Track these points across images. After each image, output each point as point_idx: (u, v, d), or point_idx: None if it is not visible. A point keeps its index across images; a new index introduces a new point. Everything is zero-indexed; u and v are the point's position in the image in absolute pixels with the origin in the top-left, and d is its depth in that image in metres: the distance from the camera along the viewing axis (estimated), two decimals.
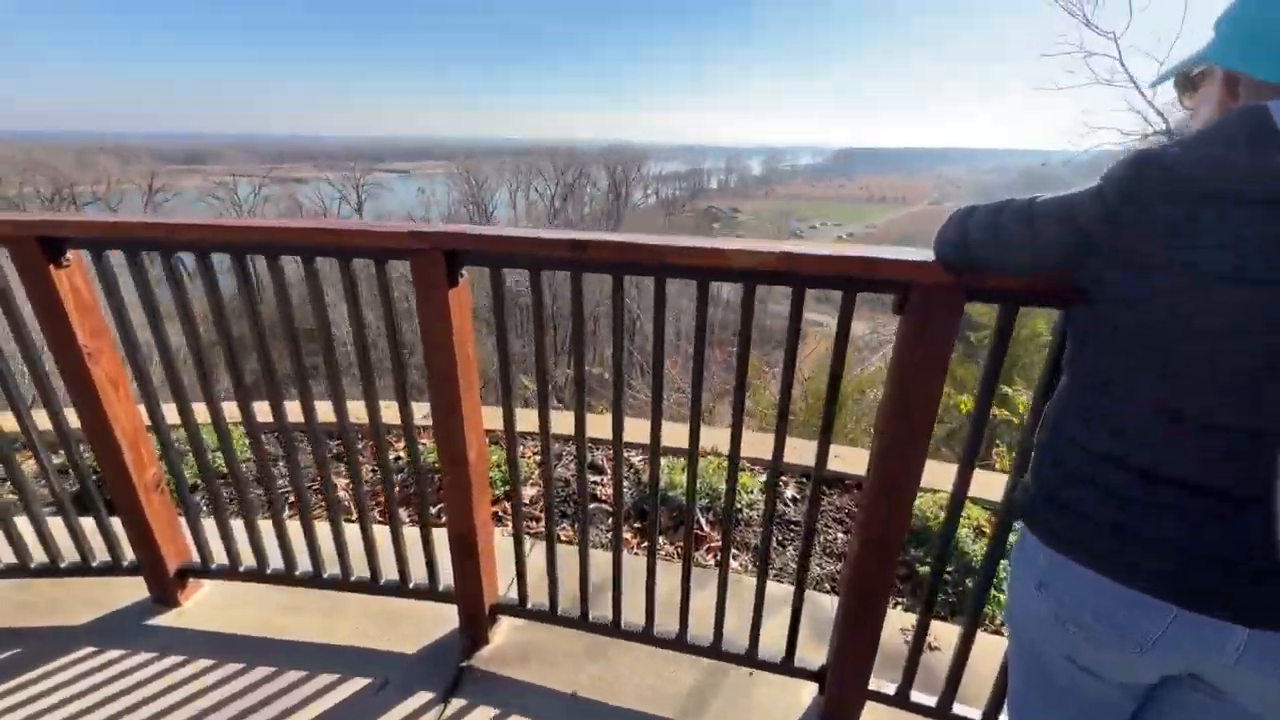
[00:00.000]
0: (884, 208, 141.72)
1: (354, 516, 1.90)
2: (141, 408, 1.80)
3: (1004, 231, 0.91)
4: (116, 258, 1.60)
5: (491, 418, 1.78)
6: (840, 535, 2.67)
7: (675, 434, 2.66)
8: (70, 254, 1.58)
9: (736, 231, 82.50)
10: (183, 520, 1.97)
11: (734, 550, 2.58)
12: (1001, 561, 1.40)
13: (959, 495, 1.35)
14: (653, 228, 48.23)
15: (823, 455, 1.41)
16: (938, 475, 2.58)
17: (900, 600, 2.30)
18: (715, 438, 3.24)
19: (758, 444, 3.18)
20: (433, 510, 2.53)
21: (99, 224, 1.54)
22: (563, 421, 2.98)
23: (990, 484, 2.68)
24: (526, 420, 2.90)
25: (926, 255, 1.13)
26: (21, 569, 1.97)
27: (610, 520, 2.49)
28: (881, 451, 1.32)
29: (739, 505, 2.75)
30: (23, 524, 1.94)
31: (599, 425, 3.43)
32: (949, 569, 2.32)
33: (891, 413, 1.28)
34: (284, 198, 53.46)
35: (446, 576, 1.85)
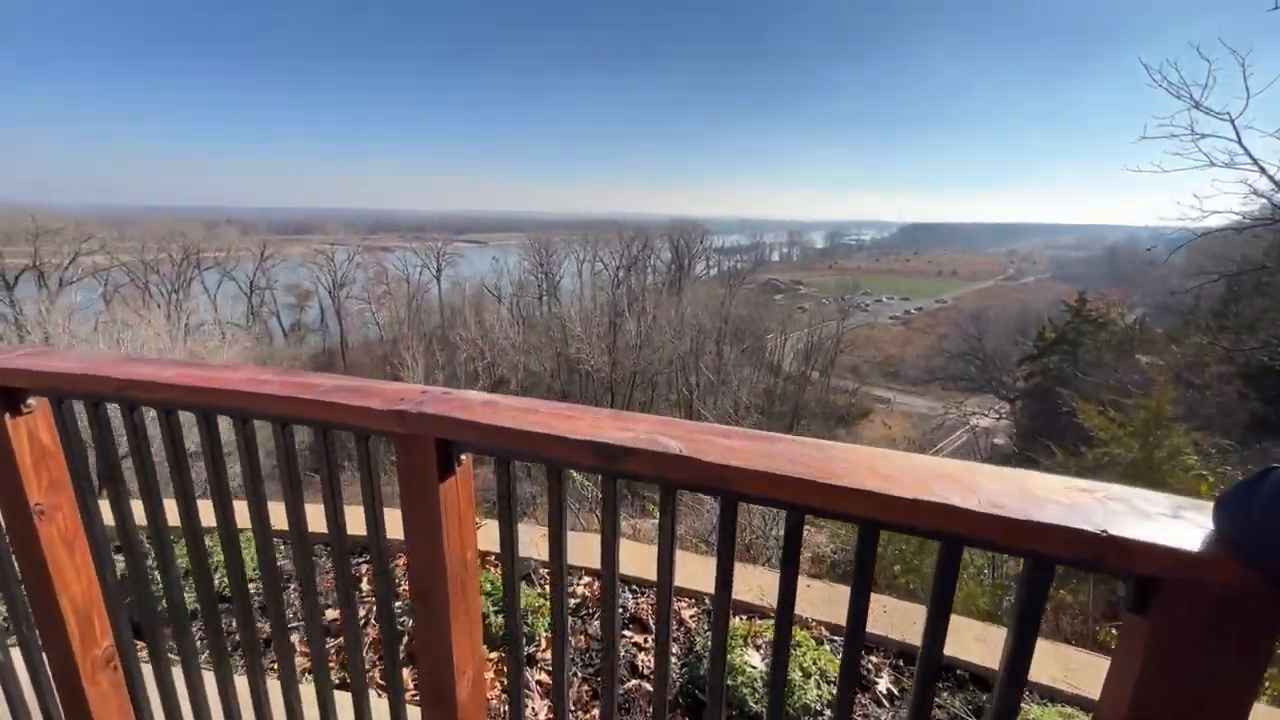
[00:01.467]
0: (954, 283, 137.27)
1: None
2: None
3: None
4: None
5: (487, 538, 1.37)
6: None
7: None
8: (34, 400, 1.36)
9: (799, 304, 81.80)
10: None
11: None
12: None
13: None
14: (714, 299, 48.46)
15: (937, 635, 0.87)
16: None
17: None
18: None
19: (835, 600, 2.58)
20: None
21: (59, 375, 1.31)
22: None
23: None
24: None
25: (1194, 532, 0.66)
26: None
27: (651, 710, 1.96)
28: None
29: (807, 700, 2.15)
30: None
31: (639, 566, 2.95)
32: None
33: None
34: (373, 264, 58.33)
35: None
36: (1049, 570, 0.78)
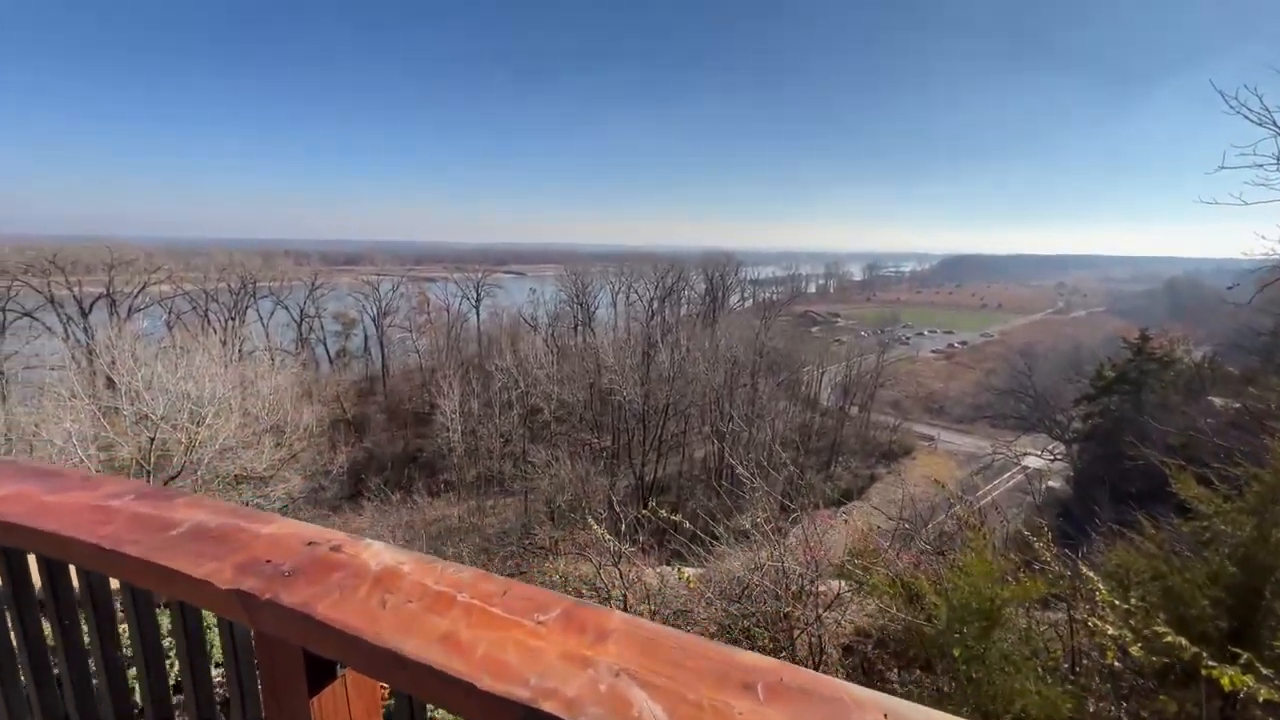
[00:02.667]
0: (1000, 315, 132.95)
1: None
2: None
3: None
4: None
5: None
6: None
7: None
8: None
9: (837, 337, 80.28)
10: None
11: None
12: None
13: None
14: (748, 331, 47.99)
15: None
16: None
17: None
18: None
19: None
20: None
21: None
22: None
23: None
24: None
25: None
26: None
27: None
28: None
29: None
30: None
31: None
32: None
33: None
34: (416, 294, 60.43)
35: None
36: None
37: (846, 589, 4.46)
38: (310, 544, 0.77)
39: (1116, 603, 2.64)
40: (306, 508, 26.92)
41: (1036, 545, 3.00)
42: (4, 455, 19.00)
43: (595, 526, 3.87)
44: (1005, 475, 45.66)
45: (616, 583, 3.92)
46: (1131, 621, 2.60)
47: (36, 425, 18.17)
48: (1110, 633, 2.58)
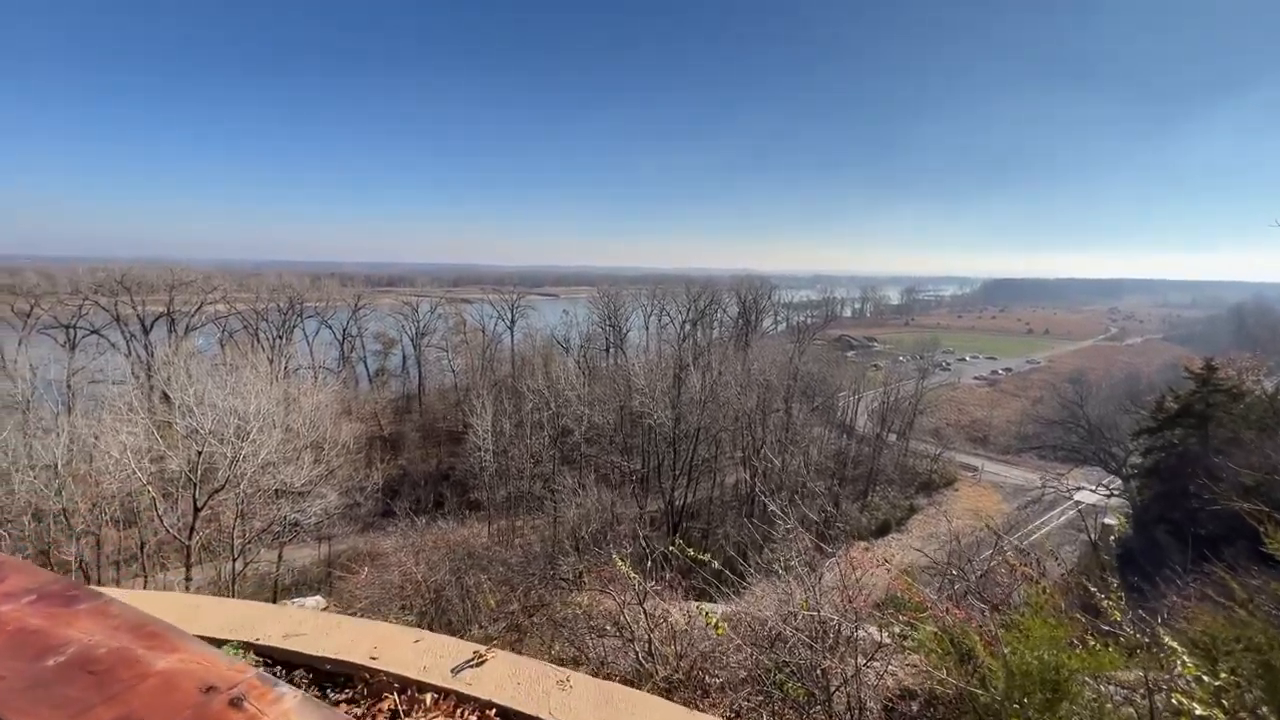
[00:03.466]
0: (1046, 341, 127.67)
1: None
2: None
3: None
4: None
5: None
6: None
7: None
8: None
9: (873, 361, 78.24)
10: None
11: None
12: None
13: None
14: (782, 355, 47.23)
15: None
16: None
17: None
18: None
19: None
20: None
21: None
22: None
23: None
24: None
25: None
26: None
27: None
28: None
29: None
30: None
31: None
32: None
33: None
34: (453, 314, 61.98)
35: None
36: None
37: (888, 638, 4.12)
38: (209, 690, 0.63)
39: (1205, 678, 2.32)
40: (341, 524, 27.44)
41: (1106, 604, 2.68)
42: (65, 464, 20.02)
43: (620, 563, 3.69)
44: (1056, 510, 43.14)
45: (641, 623, 3.72)
46: (1224, 701, 2.27)
47: (96, 437, 19.14)
48: (1199, 712, 2.26)
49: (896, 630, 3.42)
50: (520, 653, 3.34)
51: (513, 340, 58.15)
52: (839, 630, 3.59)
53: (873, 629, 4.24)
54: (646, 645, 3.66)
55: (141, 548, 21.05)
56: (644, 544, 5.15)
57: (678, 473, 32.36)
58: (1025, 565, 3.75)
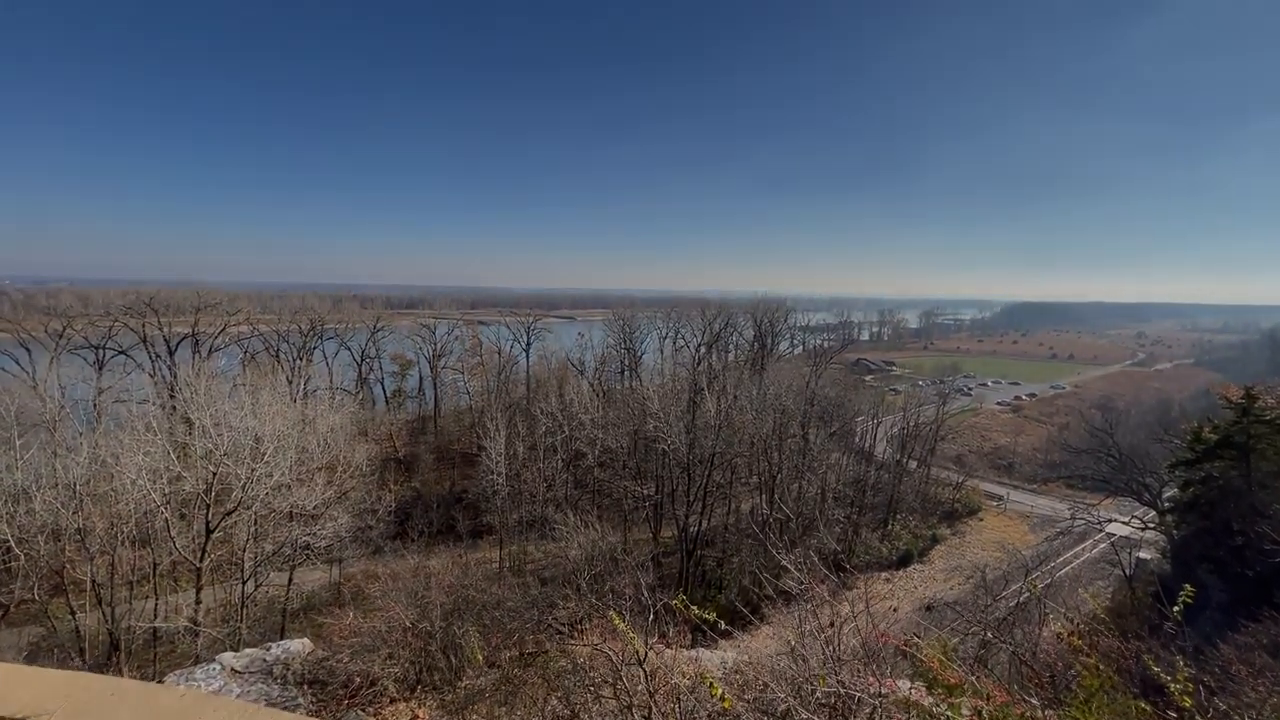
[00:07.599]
0: (1071, 366, 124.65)
1: None
2: None
3: None
4: None
5: None
6: None
7: None
8: None
9: (892, 386, 76.83)
10: None
11: None
12: None
13: None
14: (798, 379, 46.55)
15: None
16: None
17: None
18: None
19: None
20: None
21: None
22: None
23: None
24: None
25: None
26: None
27: None
28: None
29: None
30: None
31: None
32: None
33: None
34: (469, 337, 62.47)
35: None
36: None
37: (912, 689, 3.76)
38: None
39: None
40: (352, 546, 27.26)
41: (1173, 689, 2.33)
42: (84, 483, 20.20)
43: (619, 622, 3.43)
44: (1087, 542, 41.30)
45: (641, 686, 3.43)
46: None
47: (115, 457, 19.34)
48: None
49: (931, 713, 3.05)
50: (513, 707, 3.09)
51: (528, 362, 58.32)
52: (859, 703, 3.25)
53: (902, 683, 3.87)
54: (646, 712, 3.36)
55: (154, 568, 21.07)
56: (646, 595, 4.84)
57: (692, 499, 31.71)
58: (1074, 634, 3.38)
